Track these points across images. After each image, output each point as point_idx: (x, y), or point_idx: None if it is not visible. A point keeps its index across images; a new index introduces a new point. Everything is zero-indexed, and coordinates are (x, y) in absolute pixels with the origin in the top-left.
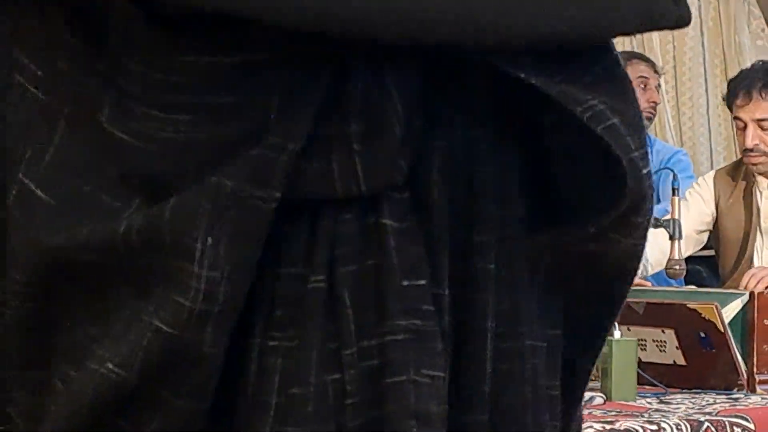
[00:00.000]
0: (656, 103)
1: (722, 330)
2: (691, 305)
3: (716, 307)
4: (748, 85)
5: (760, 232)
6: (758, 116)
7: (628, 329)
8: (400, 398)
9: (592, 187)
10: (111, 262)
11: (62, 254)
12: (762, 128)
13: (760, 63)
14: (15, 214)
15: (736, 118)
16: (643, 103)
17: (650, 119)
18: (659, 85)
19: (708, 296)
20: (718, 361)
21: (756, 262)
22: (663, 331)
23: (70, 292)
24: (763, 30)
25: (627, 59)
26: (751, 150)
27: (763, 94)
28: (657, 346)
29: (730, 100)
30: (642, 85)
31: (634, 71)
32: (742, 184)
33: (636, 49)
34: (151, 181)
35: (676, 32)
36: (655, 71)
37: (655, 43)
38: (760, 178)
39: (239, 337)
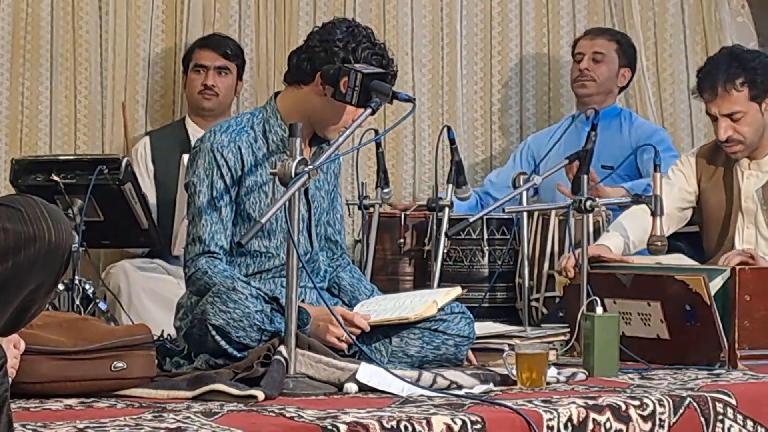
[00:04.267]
0: (582, 69)
1: (708, 302)
2: (679, 277)
3: (704, 278)
4: (712, 81)
5: (741, 212)
6: (726, 110)
7: (614, 302)
8: None
9: None
10: None
11: None
12: (733, 120)
13: (726, 50)
14: None
15: (707, 112)
16: (575, 73)
17: (584, 86)
18: (609, 52)
19: (690, 272)
20: (702, 335)
21: (737, 242)
22: (649, 304)
23: None
24: (743, 7)
25: (587, 35)
26: (726, 141)
27: (728, 88)
28: (642, 319)
29: (699, 93)
30: (594, 60)
31: (591, 46)
32: (723, 163)
33: (616, 27)
34: None
35: (656, 9)
36: (620, 44)
37: (636, 20)
38: (741, 159)
39: None
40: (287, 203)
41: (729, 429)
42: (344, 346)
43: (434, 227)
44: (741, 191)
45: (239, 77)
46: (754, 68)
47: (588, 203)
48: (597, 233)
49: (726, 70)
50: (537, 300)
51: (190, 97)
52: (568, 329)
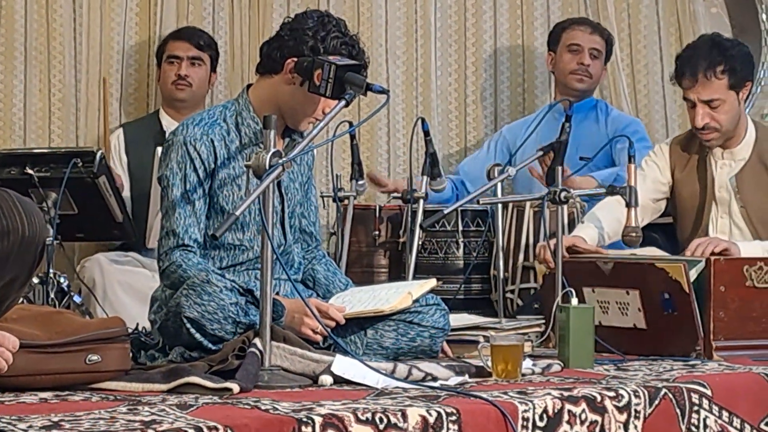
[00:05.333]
0: (586, 65)
1: (687, 290)
2: (660, 264)
3: (684, 266)
4: (693, 67)
5: (715, 201)
6: (705, 97)
7: (593, 291)
8: None
9: None
10: None
11: None
12: (711, 107)
13: (706, 37)
14: None
15: (684, 98)
16: (572, 65)
17: (582, 81)
18: (603, 50)
19: (670, 260)
20: (679, 325)
21: (711, 232)
22: (627, 293)
23: None
24: None
25: (567, 26)
26: (703, 128)
27: (709, 75)
28: (620, 308)
29: (677, 79)
30: (592, 55)
31: (590, 41)
32: (697, 153)
33: (591, 17)
34: None
35: (631, 0)
36: (608, 44)
37: (610, 11)
38: (714, 149)
39: None
40: (261, 196)
41: (704, 420)
42: (319, 338)
43: (409, 219)
44: (715, 181)
45: (213, 69)
46: (733, 56)
47: (563, 194)
48: (572, 225)
49: (707, 57)
50: (512, 291)
51: (164, 89)
52: (543, 320)
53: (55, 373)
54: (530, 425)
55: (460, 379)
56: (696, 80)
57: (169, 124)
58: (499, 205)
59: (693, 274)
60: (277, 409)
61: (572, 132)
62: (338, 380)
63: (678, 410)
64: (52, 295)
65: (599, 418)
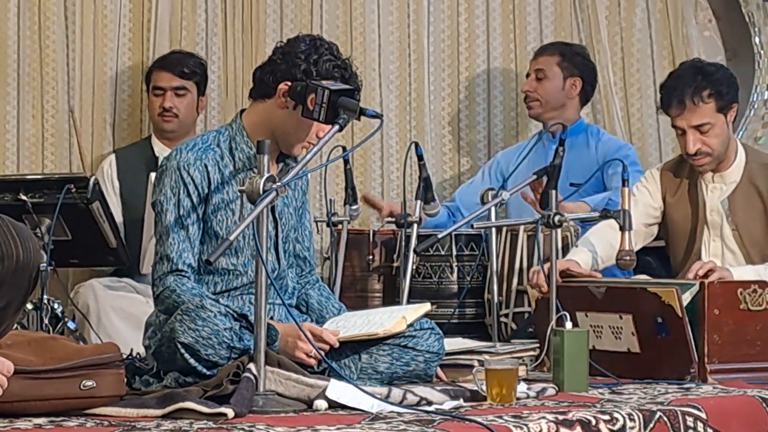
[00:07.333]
0: (525, 91)
1: (680, 314)
2: (652, 289)
3: (677, 290)
4: (679, 94)
5: (707, 225)
6: (695, 122)
7: (586, 315)
8: None
9: None
10: None
11: None
12: (701, 132)
13: (688, 63)
14: None
15: (673, 125)
16: (544, 95)
17: (531, 107)
18: (550, 69)
19: (662, 285)
20: (672, 349)
21: (704, 255)
22: (620, 317)
23: None
24: (710, 21)
25: (538, 53)
26: (695, 154)
27: (696, 101)
28: (613, 332)
29: (664, 108)
30: (538, 78)
31: (534, 64)
32: (688, 177)
33: (584, 42)
34: None
35: (624, 24)
36: (563, 55)
37: (603, 35)
38: (705, 173)
39: None
40: (255, 221)
41: None
42: (313, 361)
43: (403, 244)
44: (706, 204)
45: (201, 93)
46: (718, 80)
47: (556, 218)
48: (566, 249)
49: (692, 83)
50: (506, 315)
51: (152, 119)
52: (538, 344)
53: (50, 399)
54: None
55: (454, 403)
56: (684, 107)
57: (161, 150)
58: (493, 229)
59: (687, 297)
60: None
61: (563, 157)
62: (333, 405)
63: None
64: (46, 321)
65: None
